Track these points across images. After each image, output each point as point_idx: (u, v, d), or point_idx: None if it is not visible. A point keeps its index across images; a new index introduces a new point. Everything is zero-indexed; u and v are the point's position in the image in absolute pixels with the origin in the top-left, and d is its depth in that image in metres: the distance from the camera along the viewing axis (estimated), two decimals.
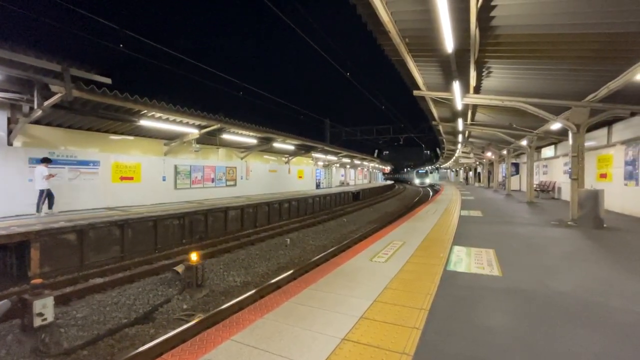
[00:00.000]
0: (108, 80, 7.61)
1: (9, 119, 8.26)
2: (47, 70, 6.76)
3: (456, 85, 7.44)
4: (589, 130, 9.75)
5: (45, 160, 8.62)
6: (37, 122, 8.67)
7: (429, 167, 65.39)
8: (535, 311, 2.98)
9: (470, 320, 2.79)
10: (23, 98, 7.55)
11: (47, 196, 8.63)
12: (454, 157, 33.60)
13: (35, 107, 7.31)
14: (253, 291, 5.90)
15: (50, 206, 8.73)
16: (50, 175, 8.51)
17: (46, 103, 7.29)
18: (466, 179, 43.10)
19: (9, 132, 8.29)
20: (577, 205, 7.84)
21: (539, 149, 18.27)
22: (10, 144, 8.34)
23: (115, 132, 10.90)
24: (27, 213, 8.50)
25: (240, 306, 5.19)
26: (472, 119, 13.15)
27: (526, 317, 2.85)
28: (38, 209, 8.44)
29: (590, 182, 10.86)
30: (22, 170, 8.57)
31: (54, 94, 7.09)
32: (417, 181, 56.99)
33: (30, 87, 7.17)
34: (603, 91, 6.92)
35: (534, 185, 15.58)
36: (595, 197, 7.42)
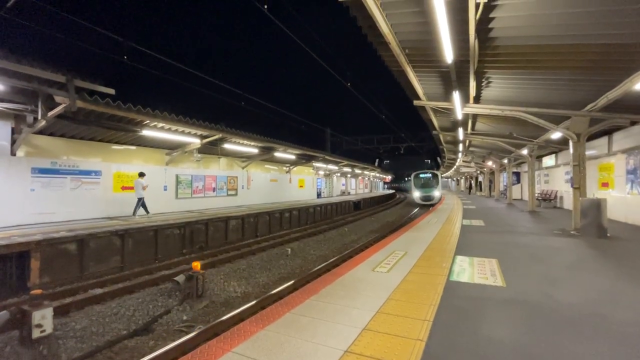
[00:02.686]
0: (111, 91, 7.71)
1: (13, 129, 8.34)
2: (52, 82, 6.86)
3: (456, 95, 7.50)
4: (590, 139, 9.78)
5: (142, 174, 10.71)
6: (40, 132, 8.74)
7: (437, 170, 35.78)
8: (539, 322, 2.93)
9: (475, 331, 2.75)
10: (27, 109, 7.63)
11: (142, 203, 10.59)
12: (455, 166, 33.62)
13: (39, 117, 7.38)
14: (254, 302, 5.84)
15: (136, 210, 10.53)
16: (146, 186, 10.68)
17: (50, 113, 7.37)
18: (469, 187, 40.48)
19: (13, 142, 8.36)
20: (580, 214, 7.80)
21: (539, 157, 18.28)
22: (13, 154, 8.40)
23: (117, 142, 10.97)
24: (30, 223, 8.52)
25: (241, 317, 5.13)
26: (473, 128, 13.21)
27: (530, 329, 2.81)
28: (135, 213, 10.48)
29: (593, 190, 10.83)
30: (25, 180, 8.61)
31: (58, 104, 7.17)
32: (417, 194, 29.97)
33: (35, 97, 7.26)
34: (602, 100, 6.97)
35: (536, 194, 15.54)
36: (597, 206, 7.39)
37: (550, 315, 3.09)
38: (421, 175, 30.91)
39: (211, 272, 7.93)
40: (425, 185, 29.90)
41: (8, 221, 8.18)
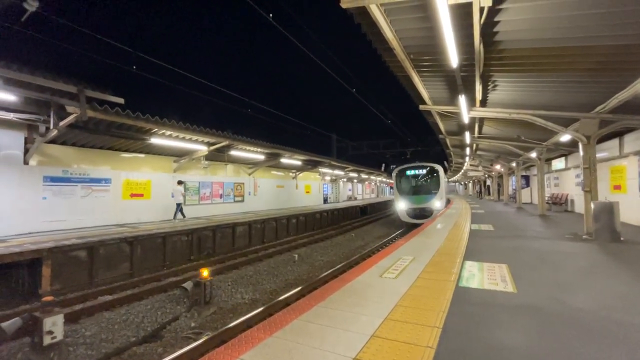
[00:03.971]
0: (121, 100, 7.86)
1: (25, 139, 8.55)
2: (63, 92, 7.03)
3: (462, 99, 7.46)
4: (600, 141, 9.61)
5: (181, 182, 12.08)
6: (52, 141, 8.94)
7: (437, 164, 18.37)
8: (552, 329, 2.87)
9: (485, 338, 2.70)
10: (40, 119, 7.83)
11: (181, 208, 11.88)
12: (462, 171, 33.33)
13: (52, 127, 7.56)
14: (261, 309, 5.83)
15: (176, 215, 11.80)
16: (184, 193, 12.16)
17: (62, 123, 7.54)
18: (479, 192, 37.89)
19: (25, 151, 8.56)
20: (592, 218, 7.64)
21: (549, 160, 18.02)
22: (26, 162, 8.59)
23: (126, 150, 11.16)
24: (41, 230, 8.67)
25: (248, 324, 5.12)
26: (480, 132, 13.11)
27: (543, 336, 2.75)
28: (175, 217, 11.76)
29: (604, 194, 10.61)
30: (37, 188, 8.79)
31: (69, 114, 7.34)
32: (402, 206, 17.60)
33: (47, 108, 7.44)
34: (612, 102, 6.86)
35: (546, 198, 15.29)
36: (610, 209, 7.23)
37: (563, 321, 3.02)
38: (409, 173, 18.13)
39: (218, 278, 7.94)
40: (418, 189, 17.82)
41: (21, 229, 8.34)
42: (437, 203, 16.68)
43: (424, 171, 18.01)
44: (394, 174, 18.41)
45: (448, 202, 24.07)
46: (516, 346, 2.57)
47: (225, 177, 15.66)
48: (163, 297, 6.74)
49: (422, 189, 17.74)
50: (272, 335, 2.80)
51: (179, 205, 11.81)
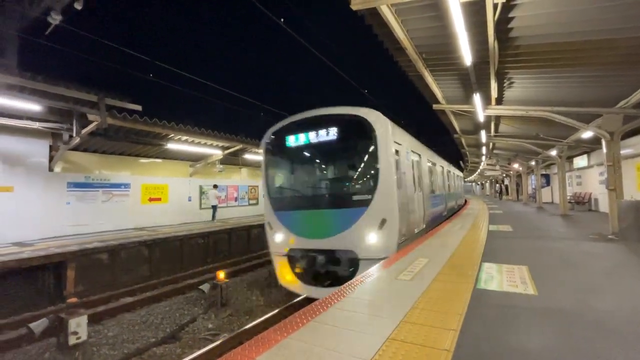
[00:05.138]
0: (138, 108, 8.12)
1: (50, 147, 8.93)
2: (85, 101, 7.32)
3: (477, 98, 7.32)
4: (625, 137, 9.23)
5: (215, 186, 13.39)
6: (74, 148, 9.30)
7: (358, 112, 5.65)
8: (576, 333, 2.76)
9: (505, 342, 2.63)
10: (63, 127, 8.18)
11: (214, 211, 13.21)
12: (479, 170, 32.59)
13: (74, 134, 7.87)
14: (277, 310, 5.86)
15: (214, 216, 13.29)
16: (219, 197, 13.63)
17: (84, 131, 7.85)
18: (499, 192, 35.48)
19: (50, 158, 8.94)
20: (618, 218, 7.34)
21: (570, 158, 17.41)
22: (51, 169, 8.97)
23: (145, 156, 11.48)
24: (66, 234, 9.02)
25: (264, 326, 5.16)
26: (496, 130, 12.81)
27: (566, 340, 2.65)
28: (213, 219, 13.25)
29: (630, 192, 10.17)
30: (62, 194, 9.16)
31: (91, 122, 7.63)
32: (278, 238, 5.98)
33: (70, 116, 7.77)
34: (636, 96, 6.60)
35: (568, 197, 14.77)
36: (637, 208, 6.93)
37: (587, 324, 2.91)
38: (294, 141, 6.54)
39: (234, 280, 8.04)
40: (316, 191, 6.50)
41: (46, 233, 8.70)
42: (371, 235, 5.80)
43: (334, 132, 6.12)
44: (262, 146, 7.70)
45: (463, 205, 18.18)
46: (536, 349, 2.49)
47: (240, 181, 15.87)
48: (181, 299, 6.88)
49: (328, 189, 6.60)
50: (288, 337, 2.81)
51: (215, 207, 13.18)
